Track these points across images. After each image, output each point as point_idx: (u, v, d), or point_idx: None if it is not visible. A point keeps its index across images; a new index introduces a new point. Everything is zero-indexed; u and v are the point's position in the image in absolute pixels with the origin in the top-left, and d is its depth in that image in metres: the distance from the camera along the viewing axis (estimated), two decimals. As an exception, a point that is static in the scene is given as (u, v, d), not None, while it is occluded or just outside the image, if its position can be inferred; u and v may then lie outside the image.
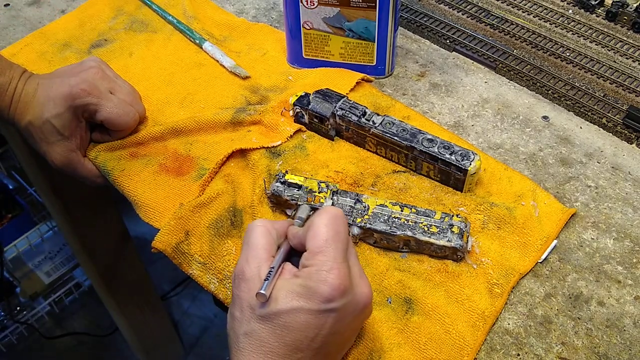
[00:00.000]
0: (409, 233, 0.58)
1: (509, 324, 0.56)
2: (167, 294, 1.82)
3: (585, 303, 0.57)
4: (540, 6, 0.88)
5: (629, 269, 0.59)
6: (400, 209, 0.60)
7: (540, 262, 0.60)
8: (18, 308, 1.68)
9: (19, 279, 1.68)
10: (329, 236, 0.47)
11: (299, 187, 0.62)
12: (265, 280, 0.46)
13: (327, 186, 0.62)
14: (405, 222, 0.59)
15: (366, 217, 0.60)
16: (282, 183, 0.62)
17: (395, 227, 0.59)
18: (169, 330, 1.61)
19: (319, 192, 0.61)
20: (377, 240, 0.60)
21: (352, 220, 0.60)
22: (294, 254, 0.51)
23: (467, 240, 0.59)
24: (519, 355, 0.54)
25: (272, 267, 0.48)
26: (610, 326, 0.56)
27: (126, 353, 1.70)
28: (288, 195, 0.62)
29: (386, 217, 0.59)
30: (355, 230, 0.60)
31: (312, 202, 0.60)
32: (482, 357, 0.54)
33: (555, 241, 0.61)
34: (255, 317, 0.46)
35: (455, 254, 0.59)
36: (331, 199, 0.61)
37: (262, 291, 0.45)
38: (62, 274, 1.70)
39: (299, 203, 0.61)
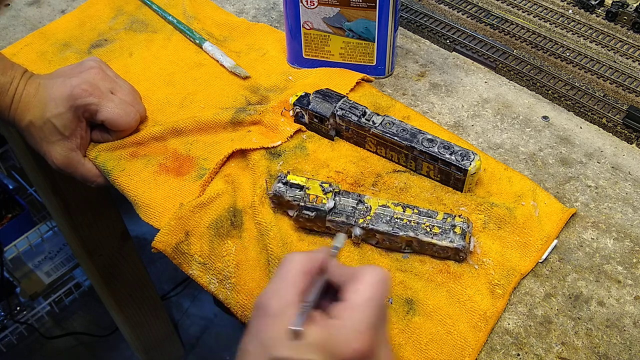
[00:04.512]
0: (412, 234, 0.58)
1: (509, 324, 0.56)
2: (167, 294, 1.82)
3: (585, 303, 0.57)
4: (540, 6, 0.88)
5: (629, 269, 0.60)
6: (402, 210, 0.60)
7: (541, 262, 0.60)
8: (18, 308, 1.68)
9: (19, 279, 1.67)
10: (372, 297, 0.45)
11: (301, 187, 0.62)
12: (300, 314, 0.43)
13: (330, 187, 0.61)
14: (408, 222, 0.59)
15: (368, 217, 0.60)
16: (284, 184, 0.62)
17: (397, 227, 0.59)
18: (169, 330, 1.61)
19: (323, 193, 0.61)
20: (379, 241, 0.60)
21: (355, 221, 0.60)
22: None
23: (470, 241, 0.59)
24: (519, 355, 0.54)
25: (308, 302, 0.44)
26: (610, 326, 0.56)
27: (126, 353, 1.70)
28: (290, 196, 0.61)
29: (388, 218, 0.59)
30: (358, 231, 0.60)
31: (314, 203, 0.60)
32: (482, 357, 0.54)
33: (555, 241, 0.61)
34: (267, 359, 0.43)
35: (458, 255, 0.58)
36: (333, 199, 0.61)
37: (296, 327, 0.42)
38: (62, 274, 1.70)
39: (338, 228, 0.60)
